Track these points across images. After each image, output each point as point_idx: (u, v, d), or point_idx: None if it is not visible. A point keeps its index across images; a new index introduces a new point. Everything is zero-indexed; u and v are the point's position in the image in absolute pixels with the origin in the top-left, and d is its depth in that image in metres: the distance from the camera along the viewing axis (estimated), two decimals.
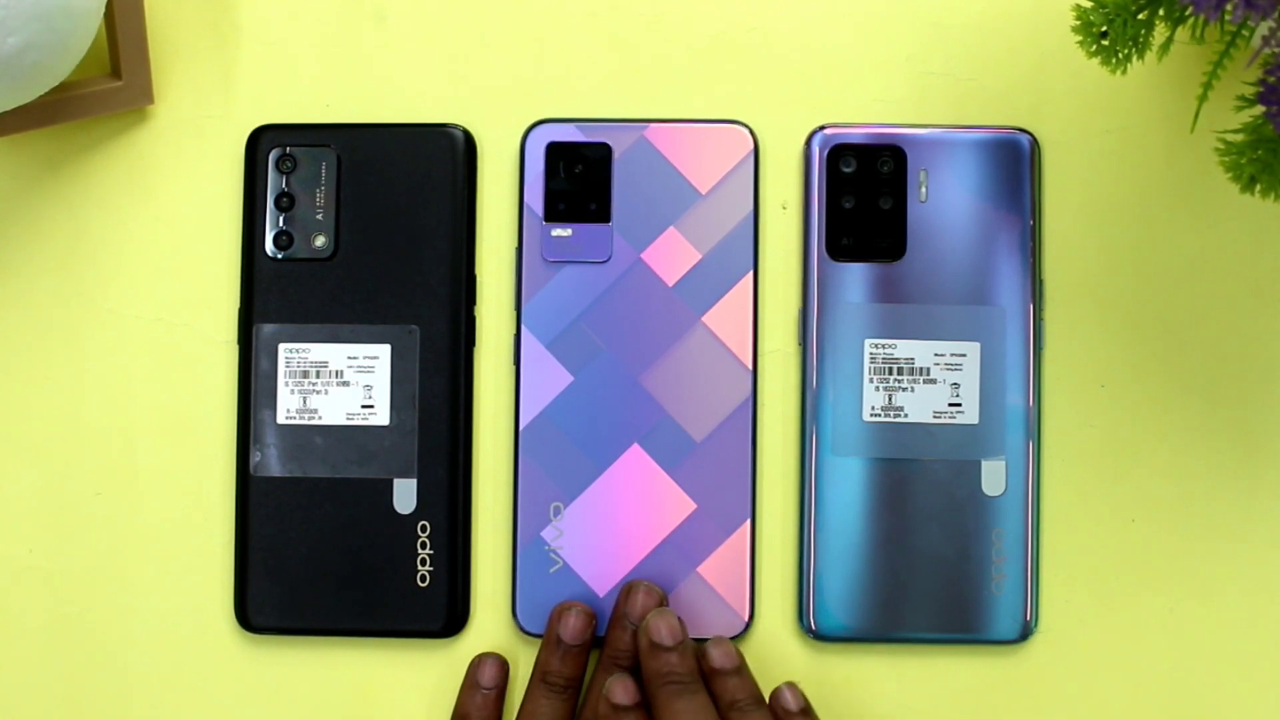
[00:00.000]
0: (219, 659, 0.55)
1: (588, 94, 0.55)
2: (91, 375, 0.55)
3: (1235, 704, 0.54)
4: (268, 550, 0.54)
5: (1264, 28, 0.47)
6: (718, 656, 0.52)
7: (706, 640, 0.53)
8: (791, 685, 0.53)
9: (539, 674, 0.53)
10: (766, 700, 0.52)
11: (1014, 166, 0.54)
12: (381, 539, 0.54)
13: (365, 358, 0.54)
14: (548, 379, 0.54)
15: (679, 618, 0.52)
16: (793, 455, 0.55)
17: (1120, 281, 0.55)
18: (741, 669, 0.52)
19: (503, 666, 0.54)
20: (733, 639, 0.54)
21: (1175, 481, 0.54)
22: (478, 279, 0.55)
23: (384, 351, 0.54)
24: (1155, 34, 0.47)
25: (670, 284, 0.54)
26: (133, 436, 0.55)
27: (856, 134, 0.54)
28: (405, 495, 0.54)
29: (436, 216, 0.55)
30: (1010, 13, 0.55)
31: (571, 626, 0.53)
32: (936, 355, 0.54)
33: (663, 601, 0.53)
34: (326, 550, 0.54)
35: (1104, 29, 0.46)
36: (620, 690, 0.51)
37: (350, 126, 0.55)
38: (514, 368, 0.55)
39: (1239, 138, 0.45)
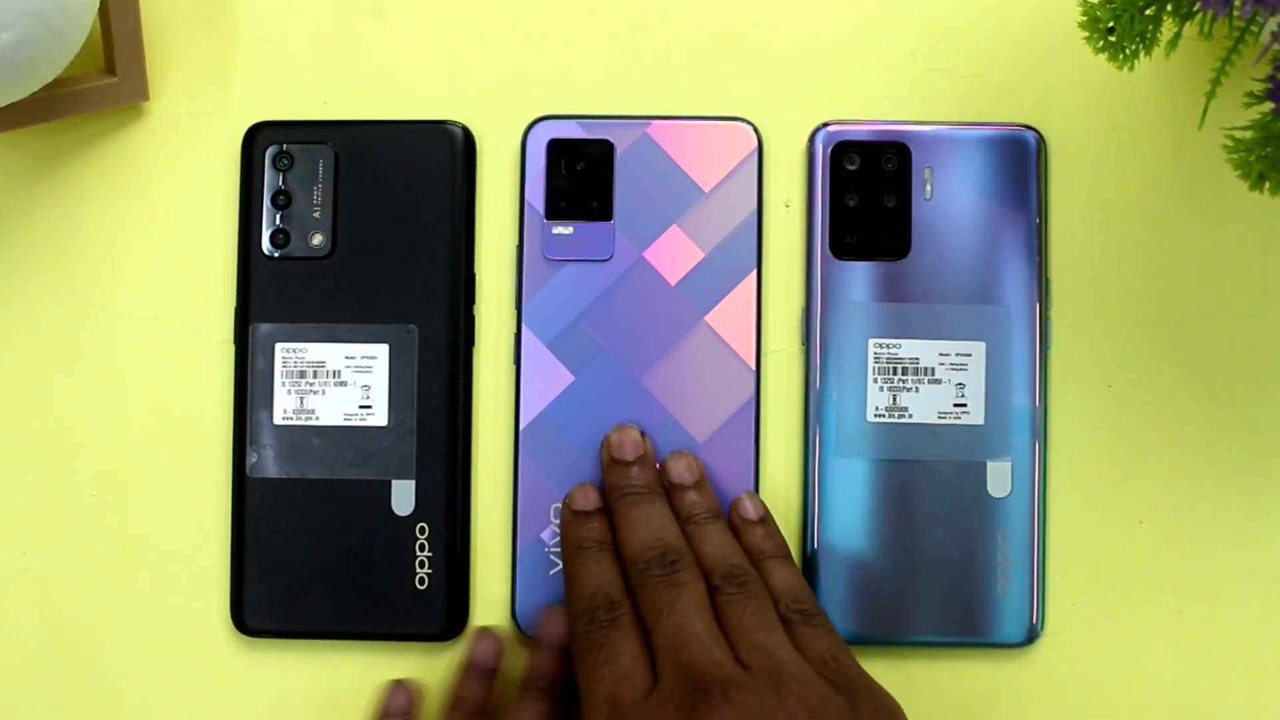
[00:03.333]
0: (215, 663, 0.55)
1: (589, 90, 0.55)
2: (86, 375, 0.55)
3: (1243, 707, 0.54)
4: (264, 552, 0.54)
5: (1273, 23, 0.47)
6: (677, 470, 0.52)
7: (671, 455, 0.53)
8: (752, 495, 0.53)
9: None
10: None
11: (1020, 164, 0.54)
12: (379, 541, 0.54)
13: (363, 357, 0.54)
14: (548, 378, 0.54)
15: (642, 433, 0.53)
16: (796, 456, 0.54)
17: (1127, 280, 0.54)
18: (701, 484, 0.52)
19: (498, 645, 0.54)
20: None
21: (1183, 483, 0.54)
22: (477, 278, 0.55)
23: (382, 351, 0.54)
24: (1162, 30, 0.46)
25: (673, 283, 0.54)
26: (127, 437, 0.55)
27: (861, 131, 0.54)
28: (404, 496, 0.54)
29: (435, 214, 0.54)
30: (1016, 9, 0.55)
31: (552, 629, 0.52)
32: (941, 355, 0.53)
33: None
34: (323, 552, 0.54)
35: (1111, 25, 0.46)
36: (581, 497, 0.52)
37: (348, 123, 0.55)
38: (514, 367, 0.54)
39: (1247, 135, 0.45)
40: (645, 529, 0.50)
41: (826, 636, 0.49)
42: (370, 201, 0.54)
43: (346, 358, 0.54)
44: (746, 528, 0.52)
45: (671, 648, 0.47)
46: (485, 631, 0.54)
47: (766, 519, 0.53)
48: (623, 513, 0.51)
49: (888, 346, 0.54)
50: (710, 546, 0.51)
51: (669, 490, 0.52)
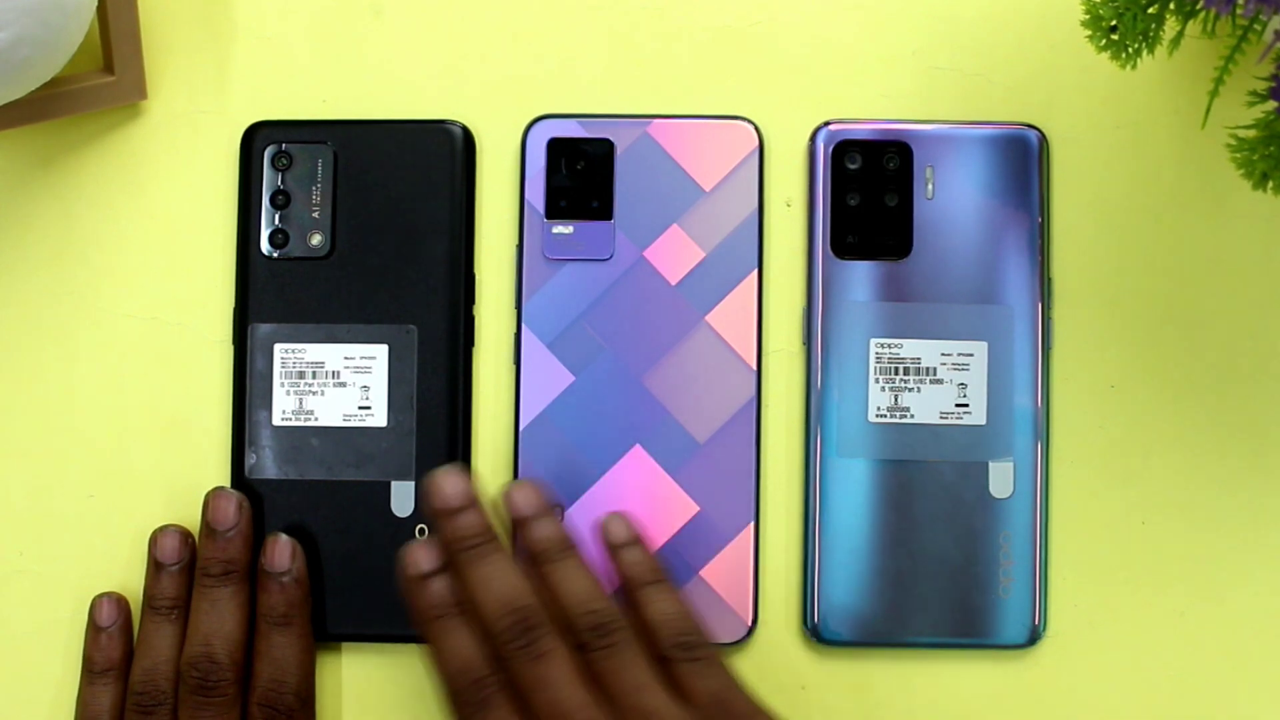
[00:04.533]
0: None
1: (590, 89, 0.55)
2: (83, 375, 0.55)
3: (1248, 708, 0.54)
4: None
5: (1276, 22, 0.47)
6: (516, 503, 0.50)
7: (507, 486, 0.51)
8: (618, 515, 0.51)
9: (146, 600, 0.53)
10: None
11: (1022, 163, 0.53)
12: (379, 543, 0.53)
13: (362, 358, 0.54)
14: (548, 379, 0.54)
15: (465, 472, 0.50)
16: (797, 456, 0.54)
17: (1130, 280, 0.54)
18: (543, 513, 0.50)
19: (121, 603, 0.53)
20: (736, 643, 0.53)
21: (1186, 483, 0.54)
22: (477, 278, 0.55)
23: (381, 352, 0.54)
24: (1165, 28, 0.46)
25: (673, 282, 0.54)
26: (125, 438, 0.55)
27: (862, 130, 0.54)
28: (403, 498, 0.54)
29: (435, 214, 0.54)
30: (1019, 7, 0.55)
31: (167, 547, 0.53)
32: (943, 355, 0.53)
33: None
34: (323, 554, 0.54)
35: (1113, 23, 0.46)
36: (414, 559, 0.49)
37: (347, 123, 0.55)
38: (514, 367, 0.54)
39: (1251, 134, 0.45)
40: (492, 591, 0.47)
41: (710, 673, 0.47)
42: (369, 201, 0.54)
43: (345, 358, 0.54)
44: (617, 553, 0.50)
45: None
46: (104, 595, 0.53)
47: (639, 540, 0.51)
48: (464, 571, 0.48)
49: (889, 346, 0.53)
50: (567, 593, 0.48)
51: (514, 527, 0.50)
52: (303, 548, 0.53)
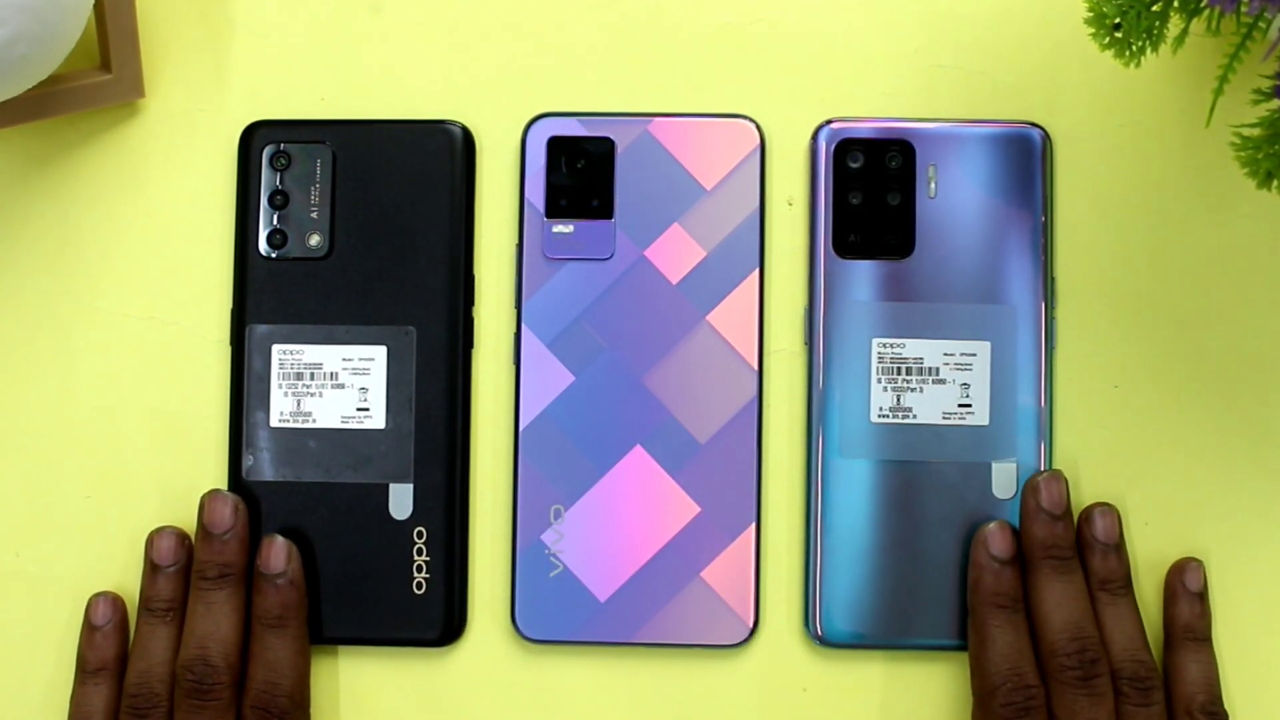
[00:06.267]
0: None
1: (590, 87, 0.55)
2: (80, 375, 0.55)
3: (1250, 709, 0.53)
4: None
5: None
6: (1103, 529, 0.51)
7: (1094, 506, 0.52)
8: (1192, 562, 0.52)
9: (142, 602, 0.53)
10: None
11: (1025, 161, 0.53)
12: (377, 545, 0.53)
13: (360, 359, 0.54)
14: (548, 379, 0.54)
15: (1068, 484, 0.52)
16: (799, 457, 0.54)
17: (1134, 279, 0.54)
18: (1120, 547, 0.52)
19: (117, 603, 0.54)
20: (737, 645, 0.53)
21: (1190, 485, 0.54)
22: (476, 278, 0.55)
23: (380, 353, 0.54)
24: (1169, 26, 0.46)
25: (674, 282, 0.54)
26: (123, 438, 0.55)
27: (864, 128, 0.54)
28: (401, 500, 0.53)
29: (434, 215, 0.54)
30: (1022, 5, 0.54)
31: (164, 549, 0.53)
32: (946, 355, 0.53)
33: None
34: (320, 557, 0.54)
35: (1117, 21, 0.46)
36: (1000, 542, 0.51)
37: (346, 123, 0.55)
38: (514, 367, 0.54)
39: (1255, 132, 0.45)
40: (1062, 612, 0.50)
41: None
42: (368, 202, 0.54)
43: (344, 360, 0.54)
44: (1184, 601, 0.52)
45: None
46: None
47: (1204, 595, 0.52)
48: (1044, 579, 0.50)
49: (891, 346, 0.53)
50: (1118, 634, 0.51)
51: (1086, 546, 0.51)
52: (299, 550, 0.53)
